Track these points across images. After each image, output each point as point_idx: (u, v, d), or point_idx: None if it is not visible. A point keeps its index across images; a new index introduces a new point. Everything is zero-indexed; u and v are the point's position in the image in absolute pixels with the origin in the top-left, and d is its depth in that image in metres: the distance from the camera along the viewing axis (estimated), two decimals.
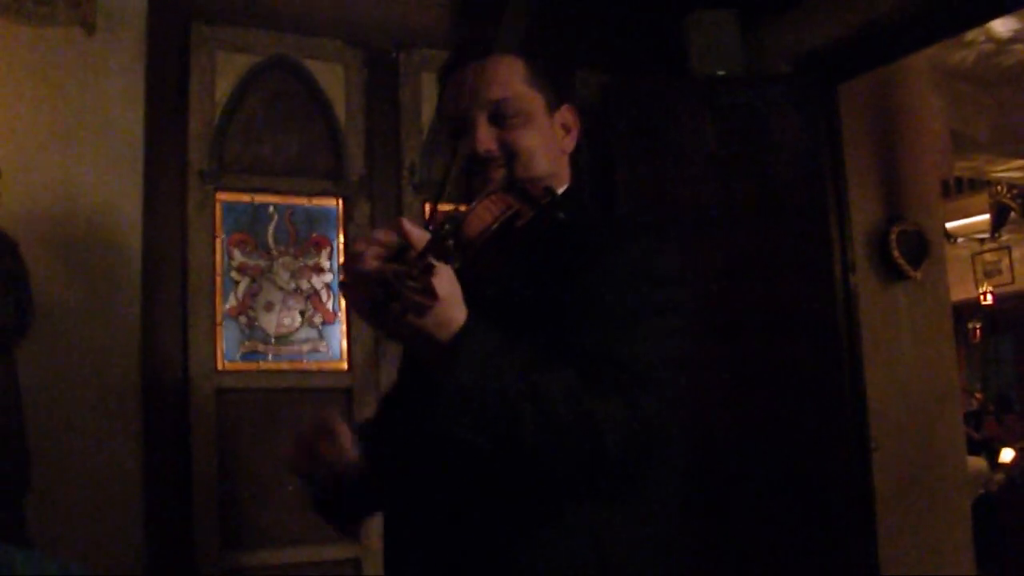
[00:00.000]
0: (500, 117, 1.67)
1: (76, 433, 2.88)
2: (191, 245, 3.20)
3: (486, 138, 1.66)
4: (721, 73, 3.73)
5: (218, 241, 3.26)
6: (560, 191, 1.71)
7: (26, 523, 2.59)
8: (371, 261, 1.28)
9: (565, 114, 1.78)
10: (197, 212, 3.22)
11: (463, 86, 1.70)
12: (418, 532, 1.63)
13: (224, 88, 3.31)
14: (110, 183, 3.05)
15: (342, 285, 1.36)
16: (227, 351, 3.24)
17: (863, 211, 3.92)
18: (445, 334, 1.29)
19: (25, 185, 2.84)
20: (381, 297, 1.21)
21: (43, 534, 2.62)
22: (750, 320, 3.55)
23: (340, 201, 3.44)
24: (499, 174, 1.65)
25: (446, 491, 1.56)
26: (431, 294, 1.23)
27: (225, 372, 3.22)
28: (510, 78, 1.70)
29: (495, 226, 1.45)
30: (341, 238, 3.42)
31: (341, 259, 3.39)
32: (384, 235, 1.31)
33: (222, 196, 3.29)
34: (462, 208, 1.54)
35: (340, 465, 1.65)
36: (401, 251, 1.26)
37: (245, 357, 3.27)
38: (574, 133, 1.80)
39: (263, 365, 3.29)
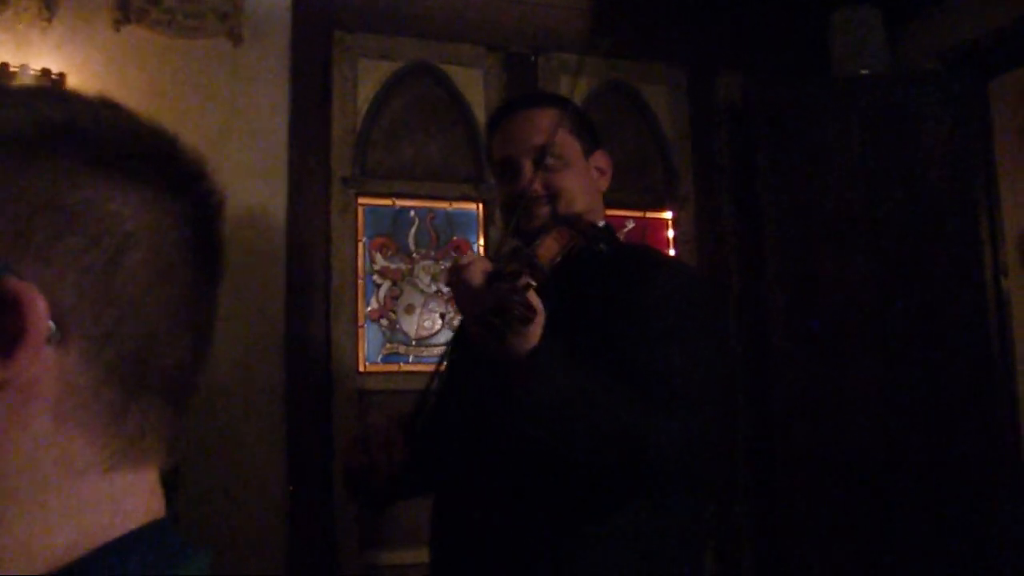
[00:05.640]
0: (543, 161, 1.87)
1: (223, 433, 2.96)
2: (334, 249, 3.26)
3: (532, 179, 1.87)
4: (865, 72, 3.61)
5: (360, 245, 3.32)
6: (599, 225, 1.94)
7: (179, 520, 2.67)
8: (478, 276, 1.53)
9: (599, 158, 2.02)
10: (340, 217, 3.28)
11: (509, 133, 1.94)
12: (469, 519, 1.81)
13: (366, 95, 3.37)
14: (256, 189, 3.14)
15: (451, 287, 1.64)
16: (369, 353, 3.29)
17: (1016, 212, 3.76)
18: (527, 346, 1.48)
19: None
20: (489, 308, 1.43)
21: (189, 531, 2.68)
22: (900, 327, 3.43)
23: (480, 205, 3.46)
24: (544, 211, 1.88)
25: (499, 483, 1.75)
26: (533, 309, 1.43)
27: (367, 374, 3.27)
28: (552, 127, 1.89)
29: (559, 257, 1.71)
30: (481, 241, 3.44)
31: None
32: (482, 258, 1.62)
33: (364, 201, 3.35)
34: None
35: (395, 463, 1.82)
36: (496, 272, 1.53)
37: (386, 359, 3.31)
38: (608, 175, 2.03)
39: (404, 367, 3.32)
